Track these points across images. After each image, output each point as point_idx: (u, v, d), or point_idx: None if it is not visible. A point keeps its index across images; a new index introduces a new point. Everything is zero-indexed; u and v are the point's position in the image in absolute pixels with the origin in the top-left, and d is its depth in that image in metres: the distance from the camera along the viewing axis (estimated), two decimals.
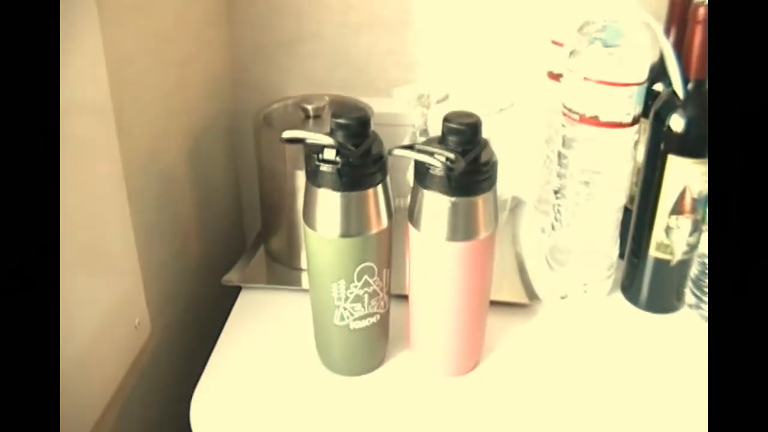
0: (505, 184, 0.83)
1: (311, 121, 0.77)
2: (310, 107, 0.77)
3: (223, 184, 0.98)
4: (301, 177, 0.72)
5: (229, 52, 0.95)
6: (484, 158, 0.57)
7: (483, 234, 0.59)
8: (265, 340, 0.71)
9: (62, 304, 0.52)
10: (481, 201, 0.58)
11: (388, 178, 0.61)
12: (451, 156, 0.55)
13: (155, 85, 0.73)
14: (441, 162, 0.55)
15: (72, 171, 0.54)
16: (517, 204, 0.92)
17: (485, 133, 0.76)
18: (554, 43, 0.79)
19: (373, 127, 0.61)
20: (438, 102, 0.80)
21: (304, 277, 0.78)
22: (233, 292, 0.78)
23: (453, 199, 0.57)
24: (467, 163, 0.56)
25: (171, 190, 0.79)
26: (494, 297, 0.68)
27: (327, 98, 0.78)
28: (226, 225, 0.99)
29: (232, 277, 0.79)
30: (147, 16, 0.70)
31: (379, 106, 0.78)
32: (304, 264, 0.79)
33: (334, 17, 0.92)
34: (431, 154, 0.56)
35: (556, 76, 0.79)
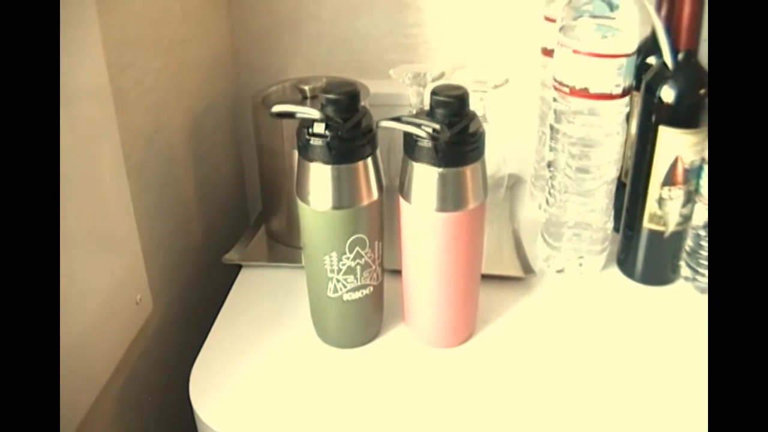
0: (503, 162, 0.84)
1: (308, 101, 0.78)
2: (307, 88, 0.77)
3: (225, 165, 0.99)
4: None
5: (230, 34, 0.97)
6: (471, 129, 0.58)
7: (472, 204, 0.60)
8: (263, 316, 0.73)
9: (64, 281, 0.53)
10: (469, 171, 0.59)
11: (378, 152, 0.61)
12: (437, 127, 0.56)
13: (156, 68, 0.74)
14: (427, 133, 0.56)
15: (71, 152, 0.56)
16: (515, 181, 0.93)
17: (482, 109, 0.77)
18: (547, 19, 0.80)
19: (369, 106, 0.61)
20: (434, 80, 0.80)
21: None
22: (234, 270, 0.79)
23: (441, 169, 0.58)
24: (454, 134, 0.57)
25: (172, 170, 0.80)
26: (490, 271, 0.69)
27: (324, 79, 0.79)
28: (229, 204, 1.01)
29: (232, 256, 0.81)
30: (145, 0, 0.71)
31: (378, 87, 0.78)
32: None
33: None
34: (418, 125, 0.57)
35: (549, 52, 0.80)
